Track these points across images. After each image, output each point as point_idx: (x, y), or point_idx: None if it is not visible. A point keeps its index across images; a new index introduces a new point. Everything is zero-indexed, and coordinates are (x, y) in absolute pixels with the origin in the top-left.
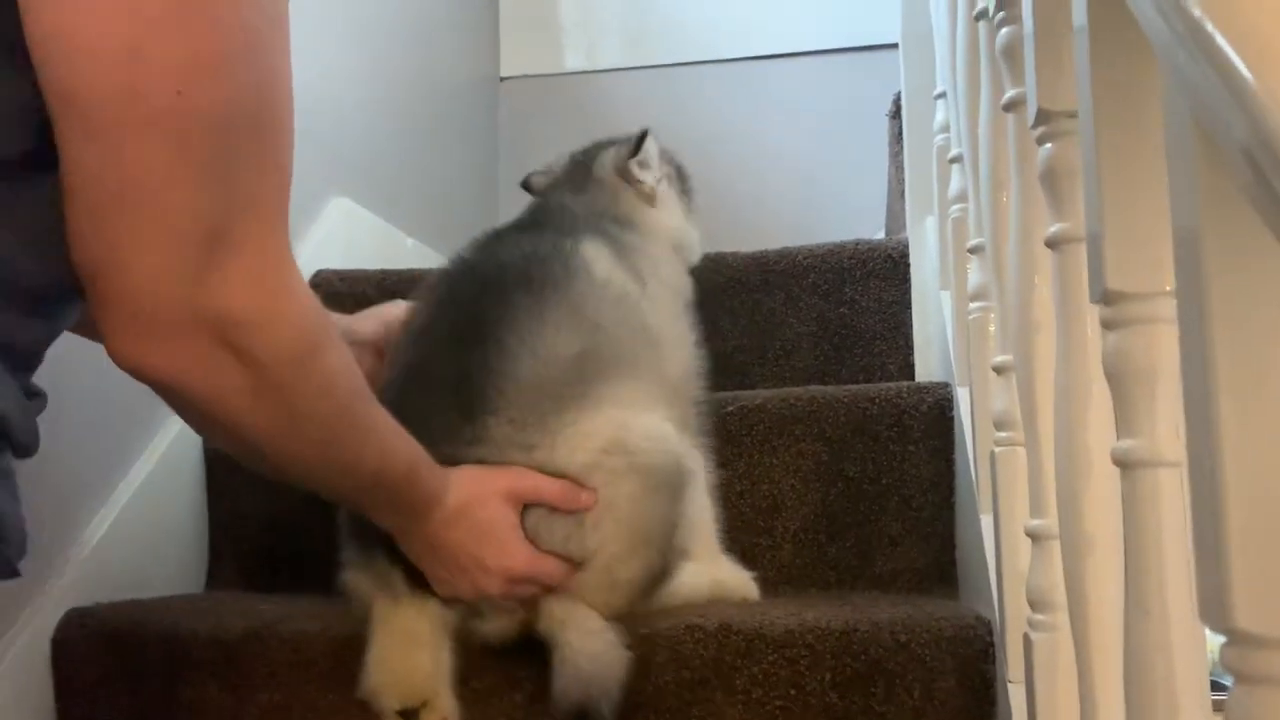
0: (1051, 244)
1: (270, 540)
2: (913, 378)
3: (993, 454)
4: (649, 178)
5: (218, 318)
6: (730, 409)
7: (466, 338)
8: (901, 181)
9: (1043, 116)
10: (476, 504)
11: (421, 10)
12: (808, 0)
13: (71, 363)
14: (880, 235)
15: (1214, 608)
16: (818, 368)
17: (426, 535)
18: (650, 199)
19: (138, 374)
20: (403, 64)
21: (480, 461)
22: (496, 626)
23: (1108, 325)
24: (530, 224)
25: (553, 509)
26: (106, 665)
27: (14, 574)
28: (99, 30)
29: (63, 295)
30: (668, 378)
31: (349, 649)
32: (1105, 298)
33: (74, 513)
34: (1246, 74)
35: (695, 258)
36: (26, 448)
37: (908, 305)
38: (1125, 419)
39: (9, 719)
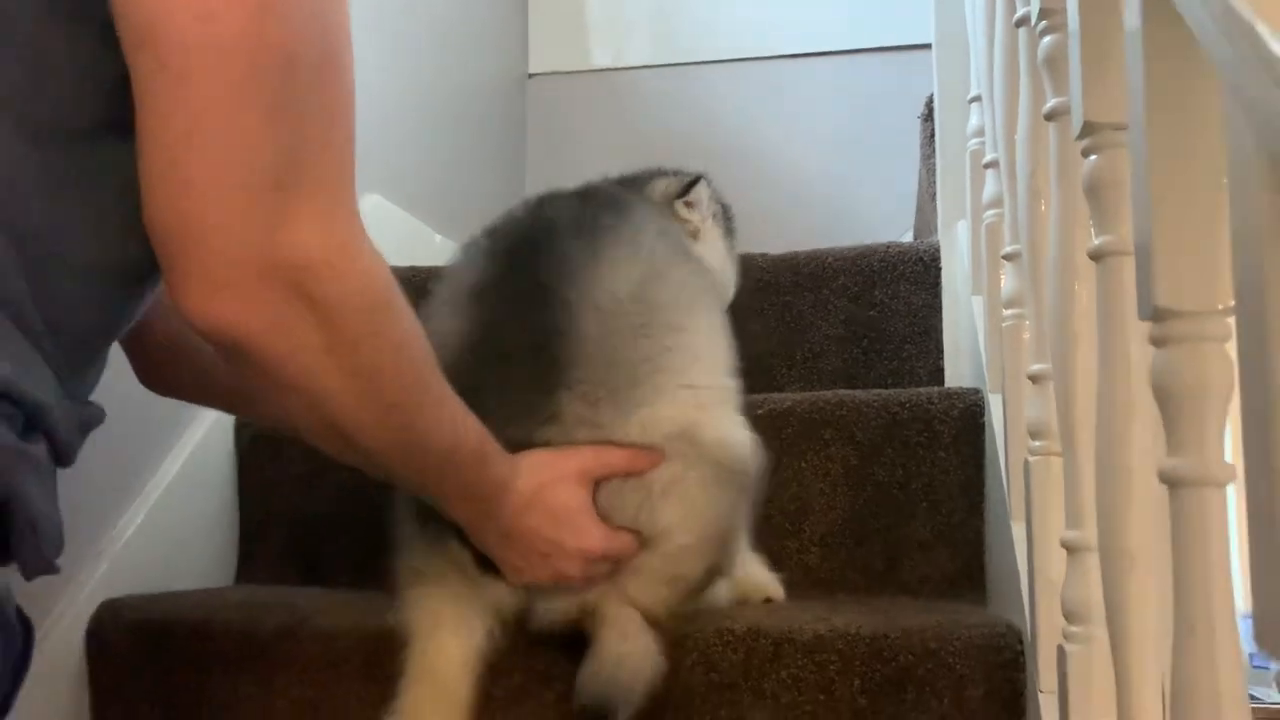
0: (1095, 256)
1: (300, 536)
2: (942, 382)
3: (1027, 463)
4: (695, 217)
5: (291, 265)
6: (759, 411)
7: (528, 300)
8: (932, 184)
9: (1089, 129)
10: (550, 489)
11: (451, 7)
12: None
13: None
14: (909, 237)
15: (1273, 634)
16: (846, 371)
17: (501, 524)
18: (695, 235)
19: (211, 332)
20: (432, 60)
21: (547, 443)
22: (561, 606)
23: (1156, 342)
24: (578, 191)
25: (624, 478)
26: (139, 657)
27: (53, 570)
28: None
29: (120, 278)
30: (724, 325)
31: (380, 645)
32: (1155, 314)
33: (108, 506)
34: None
35: (729, 296)
36: (68, 446)
37: (938, 309)
38: (1174, 437)
39: (43, 709)
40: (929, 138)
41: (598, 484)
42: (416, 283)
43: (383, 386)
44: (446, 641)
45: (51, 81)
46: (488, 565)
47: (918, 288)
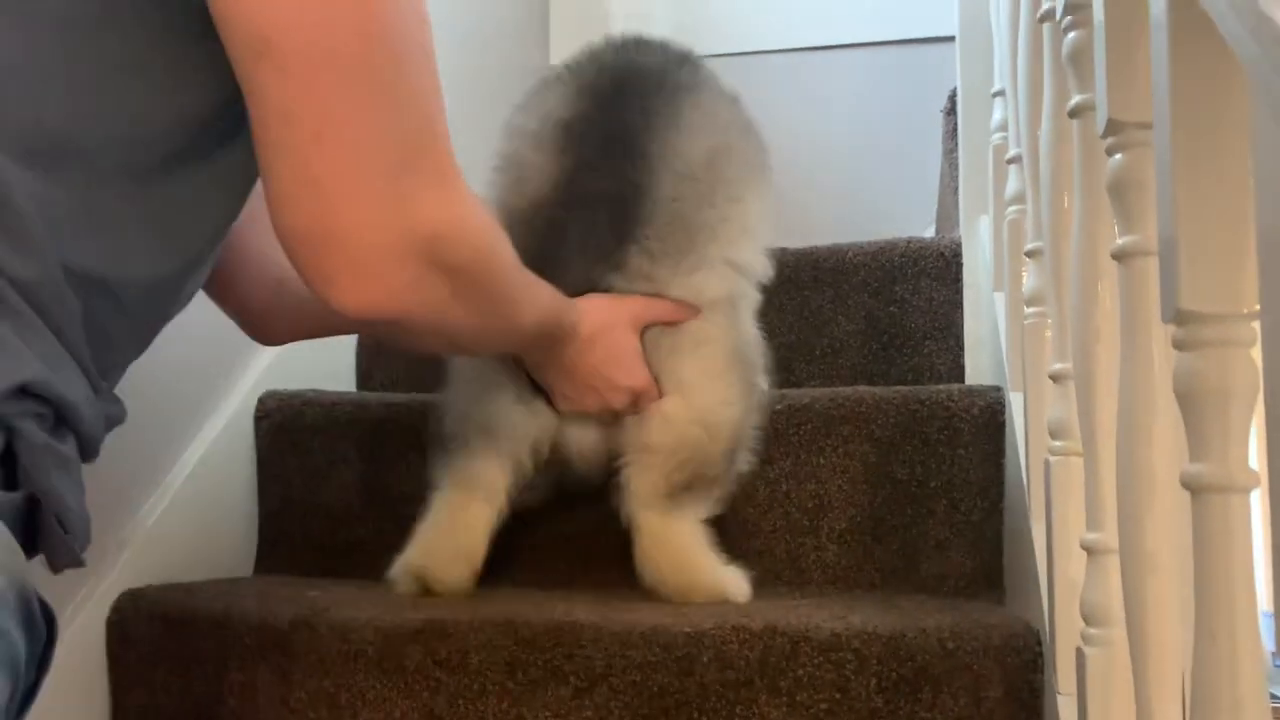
0: (1118, 256)
1: (319, 527)
2: (963, 379)
3: (1047, 463)
4: None
5: (425, 238)
6: (779, 407)
7: (614, 148)
8: (955, 178)
9: (1113, 127)
10: (607, 332)
11: (473, 1)
12: None
13: None
14: (930, 231)
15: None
16: (866, 367)
17: (563, 362)
18: None
19: (365, 318)
20: (453, 55)
21: (609, 289)
22: (590, 439)
23: (1180, 346)
24: (661, 43)
25: (662, 328)
26: (159, 647)
27: (79, 564)
28: None
29: (152, 289)
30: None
31: (397, 637)
32: (1178, 318)
33: (128, 497)
34: None
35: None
36: (93, 442)
37: (959, 305)
38: (1197, 442)
39: (63, 697)
40: (951, 131)
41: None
42: None
43: (493, 306)
44: (475, 504)
45: (137, 126)
46: (538, 391)
47: (939, 283)
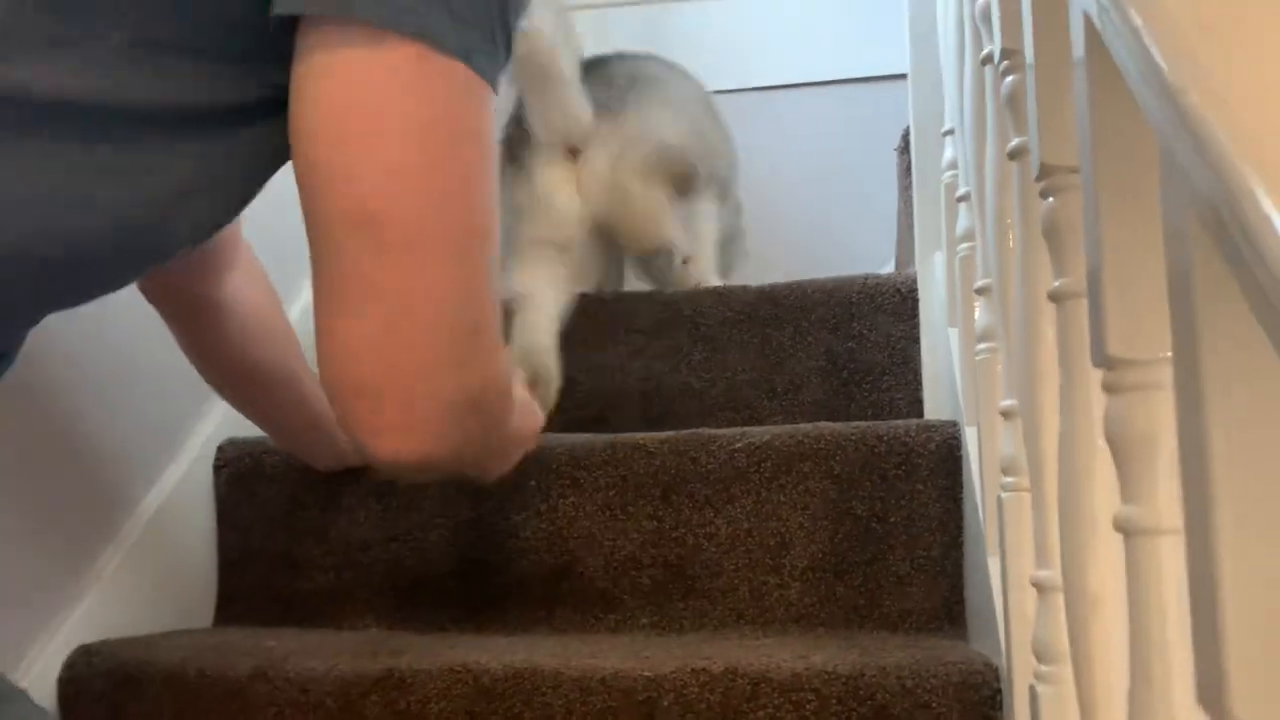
0: (1054, 298)
1: (279, 576)
2: (922, 414)
3: (1000, 499)
4: None
5: (473, 393)
6: (738, 445)
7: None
8: (910, 216)
9: (1045, 170)
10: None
11: None
12: (815, 31)
13: (82, 397)
14: (889, 267)
15: (1210, 693)
16: (827, 402)
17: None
18: None
19: (401, 466)
20: None
21: None
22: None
23: (1109, 389)
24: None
25: None
26: (114, 704)
27: None
28: (400, 154)
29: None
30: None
31: (357, 688)
32: (1106, 363)
33: (84, 548)
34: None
35: None
36: None
37: (916, 340)
38: (1127, 485)
39: None
40: (906, 170)
41: None
42: None
43: (502, 432)
44: (548, 291)
45: None
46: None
47: (896, 319)
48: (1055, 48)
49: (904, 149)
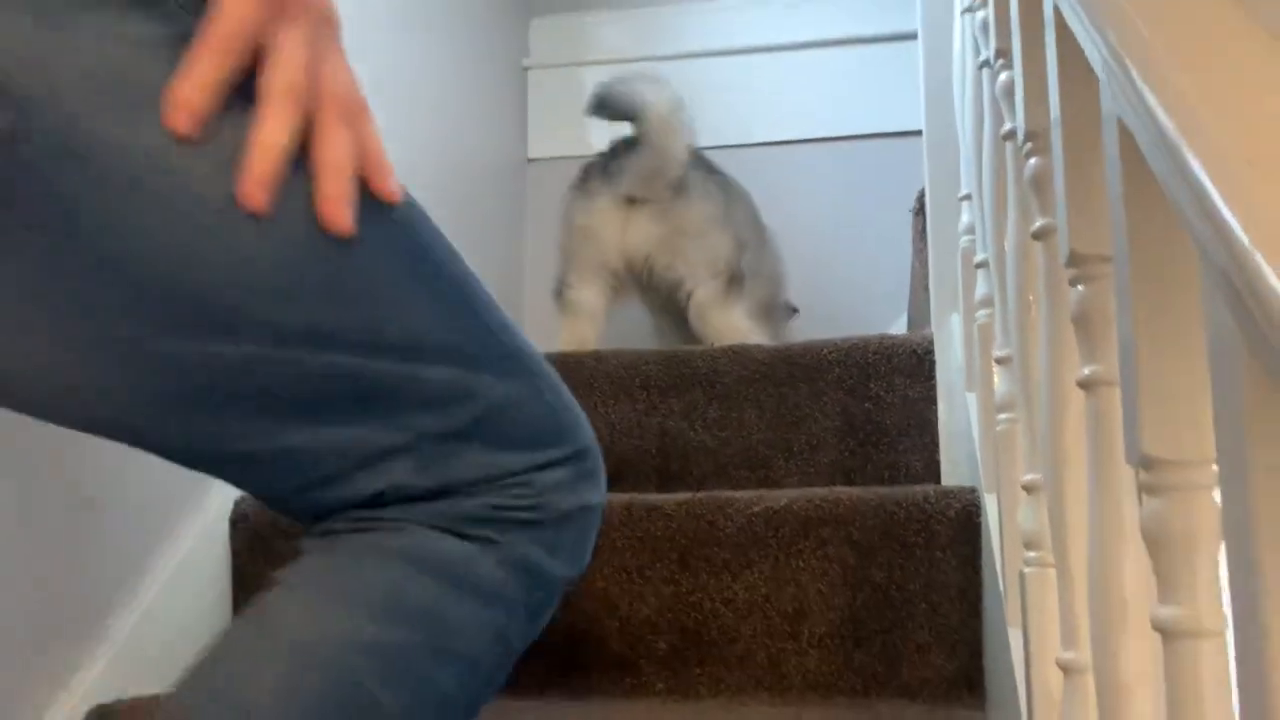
0: (1084, 386)
1: None
2: (938, 476)
3: (1022, 574)
4: None
5: None
6: (756, 509)
7: None
8: (925, 277)
9: (1076, 259)
10: None
11: (452, 92)
12: (831, 86)
13: (99, 456)
14: (901, 323)
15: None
16: (843, 463)
17: None
18: None
19: None
20: (433, 145)
21: None
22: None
23: (1145, 489)
24: None
25: None
26: None
27: None
28: None
29: None
30: None
31: None
32: (1143, 462)
33: (101, 607)
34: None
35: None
36: None
37: (933, 401)
38: (1165, 584)
39: None
40: (921, 231)
41: None
42: None
43: None
44: (592, 293)
45: None
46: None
47: (913, 380)
48: (1084, 139)
49: (919, 210)
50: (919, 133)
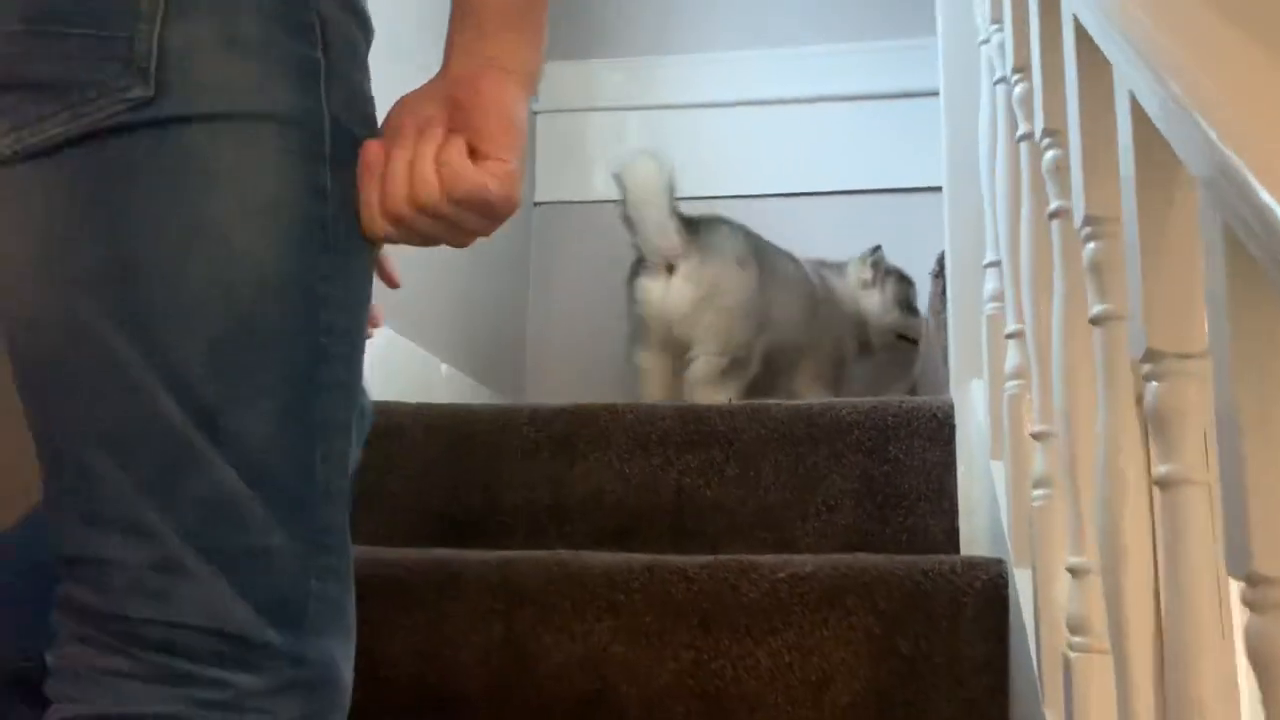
0: (1161, 485)
1: None
2: (956, 542)
3: (1067, 659)
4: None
5: None
6: (781, 575)
7: None
8: (943, 339)
9: (1152, 355)
10: None
11: None
12: (841, 140)
13: None
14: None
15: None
16: (861, 527)
17: None
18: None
19: None
20: None
21: None
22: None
23: (1251, 606)
24: None
25: None
26: None
27: None
28: None
29: None
30: None
31: None
32: (1250, 578)
33: None
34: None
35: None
36: None
37: (952, 467)
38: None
39: None
40: (941, 293)
41: None
42: (422, 418)
43: None
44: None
45: None
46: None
47: (932, 444)
48: (1162, 224)
49: (939, 273)
50: (935, 189)
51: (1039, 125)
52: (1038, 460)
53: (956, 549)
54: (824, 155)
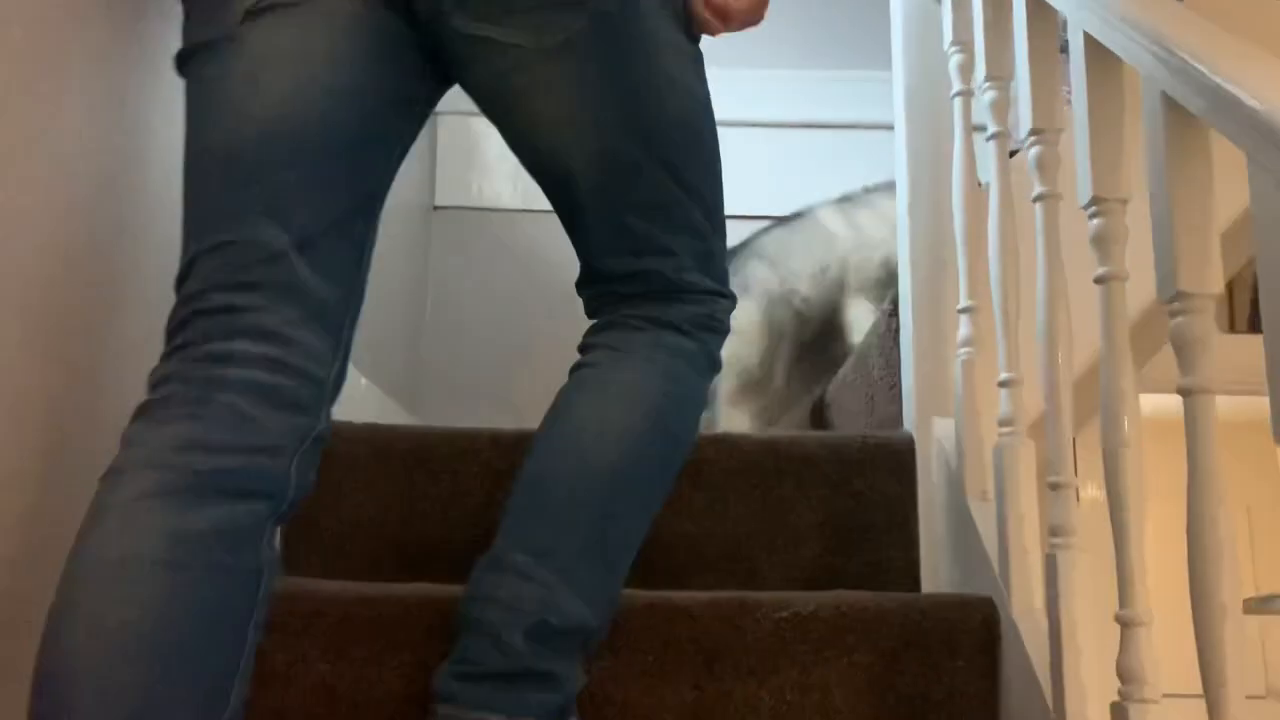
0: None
1: None
2: (917, 575)
3: (1124, 708)
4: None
5: None
6: (784, 614)
7: None
8: (890, 375)
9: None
10: None
11: None
12: (797, 164)
13: None
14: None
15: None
16: (826, 560)
17: None
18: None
19: None
20: None
21: None
22: None
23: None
24: None
25: None
26: None
27: None
28: None
29: None
30: None
31: None
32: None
33: None
34: None
35: None
36: None
37: (912, 502)
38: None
39: None
40: (891, 331)
41: None
42: (378, 444)
43: None
44: None
45: None
46: None
47: (893, 479)
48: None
49: (892, 312)
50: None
51: (1025, 126)
52: (1055, 512)
53: (917, 582)
54: (783, 179)
